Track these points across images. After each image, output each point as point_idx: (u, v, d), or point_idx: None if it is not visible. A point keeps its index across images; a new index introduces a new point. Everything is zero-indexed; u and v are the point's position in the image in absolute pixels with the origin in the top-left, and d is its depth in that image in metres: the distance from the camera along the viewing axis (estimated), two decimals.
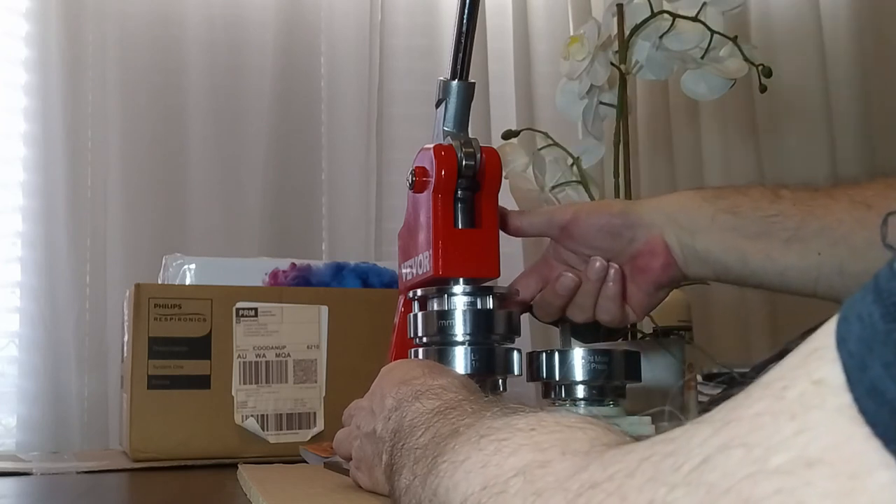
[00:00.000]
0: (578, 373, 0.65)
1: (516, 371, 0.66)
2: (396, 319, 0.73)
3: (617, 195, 1.00)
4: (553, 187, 1.00)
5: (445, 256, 0.65)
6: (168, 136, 1.52)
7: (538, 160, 0.99)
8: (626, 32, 1.00)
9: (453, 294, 0.65)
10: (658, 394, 0.86)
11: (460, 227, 0.66)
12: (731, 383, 0.94)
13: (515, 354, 0.66)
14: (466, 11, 0.66)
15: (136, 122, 1.50)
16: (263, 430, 0.94)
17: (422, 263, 0.67)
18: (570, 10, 1.72)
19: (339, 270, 1.05)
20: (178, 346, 0.93)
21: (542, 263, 0.78)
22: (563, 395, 0.66)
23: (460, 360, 0.63)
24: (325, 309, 0.98)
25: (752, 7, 1.80)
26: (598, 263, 0.71)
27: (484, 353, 0.64)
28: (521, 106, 1.66)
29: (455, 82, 0.68)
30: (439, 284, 0.66)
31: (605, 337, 0.91)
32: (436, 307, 0.66)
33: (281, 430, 0.95)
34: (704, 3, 0.97)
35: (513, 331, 0.66)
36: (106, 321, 1.42)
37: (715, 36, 0.97)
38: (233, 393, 0.94)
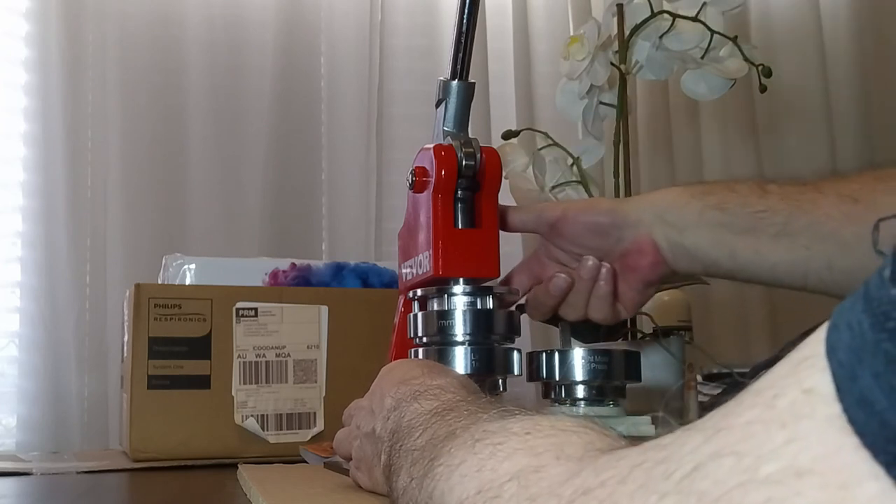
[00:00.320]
0: (578, 373, 0.65)
1: (516, 371, 0.66)
2: (396, 319, 0.73)
3: (617, 195, 1.00)
4: (553, 187, 1.00)
5: (445, 256, 0.65)
6: (168, 136, 1.52)
7: (538, 160, 0.99)
8: (626, 32, 1.00)
9: (453, 294, 0.65)
10: (658, 394, 0.86)
11: (460, 227, 0.66)
12: (732, 384, 0.94)
13: (515, 354, 0.66)
14: (466, 11, 0.66)
15: (136, 122, 1.50)
16: (263, 430, 0.94)
17: (422, 263, 0.67)
18: (570, 10, 1.72)
19: (339, 270, 1.05)
20: (178, 346, 0.93)
21: (534, 260, 0.78)
22: (563, 395, 0.66)
23: (460, 360, 0.63)
24: (325, 309, 0.98)
25: (752, 7, 1.80)
26: (590, 262, 0.71)
27: (484, 353, 0.64)
28: (521, 106, 1.66)
29: (455, 82, 0.68)
30: (439, 284, 0.66)
31: (605, 337, 0.91)
32: (436, 307, 0.66)
33: (281, 430, 0.95)
34: (704, 3, 0.97)
35: (513, 331, 0.66)
36: (106, 321, 1.42)
37: (715, 36, 0.97)
38: (233, 393, 0.94)
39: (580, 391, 0.66)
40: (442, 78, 0.69)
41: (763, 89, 0.99)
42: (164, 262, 1.04)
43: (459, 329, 0.64)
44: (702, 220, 0.69)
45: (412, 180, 0.68)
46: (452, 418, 0.40)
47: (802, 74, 1.80)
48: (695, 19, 0.97)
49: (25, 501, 0.75)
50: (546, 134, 1.05)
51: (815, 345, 0.21)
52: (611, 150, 1.02)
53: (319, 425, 0.96)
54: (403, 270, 0.73)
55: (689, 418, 0.84)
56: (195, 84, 1.53)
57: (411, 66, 1.65)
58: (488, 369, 0.64)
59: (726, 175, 1.75)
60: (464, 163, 0.65)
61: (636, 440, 0.28)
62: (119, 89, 1.49)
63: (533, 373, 0.67)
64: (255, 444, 0.94)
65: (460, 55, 0.67)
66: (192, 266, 1.01)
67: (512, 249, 1.50)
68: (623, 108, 1.01)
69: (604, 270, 0.71)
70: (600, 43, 0.97)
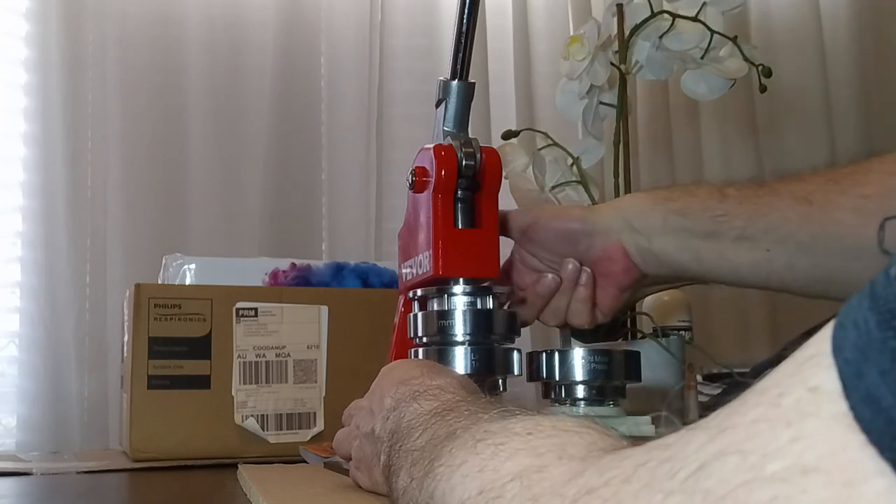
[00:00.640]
0: (578, 373, 0.65)
1: (516, 371, 0.66)
2: (396, 319, 0.73)
3: (617, 195, 1.00)
4: (553, 187, 1.00)
5: (445, 256, 0.65)
6: (168, 136, 1.52)
7: (538, 160, 0.99)
8: (626, 32, 1.00)
9: (453, 294, 0.65)
10: (658, 394, 0.86)
11: (460, 227, 0.66)
12: (732, 384, 0.94)
13: (515, 354, 0.66)
14: (466, 11, 0.66)
15: (136, 122, 1.50)
16: (263, 430, 0.94)
17: (422, 263, 0.67)
18: (570, 10, 1.72)
19: (339, 270, 1.05)
20: (178, 346, 0.93)
21: (509, 267, 0.79)
22: (563, 395, 0.66)
23: (460, 360, 0.63)
24: (325, 309, 0.98)
25: (752, 7, 1.80)
26: (570, 266, 0.73)
27: (484, 353, 0.64)
28: (521, 106, 1.66)
29: (455, 82, 0.68)
30: (439, 284, 0.66)
31: (604, 337, 0.91)
32: (436, 307, 0.66)
33: (281, 430, 0.95)
34: (704, 3, 0.97)
35: (513, 331, 0.66)
36: (106, 321, 1.42)
37: (715, 36, 0.97)
38: (233, 393, 0.94)
39: (580, 391, 0.66)
40: (442, 78, 0.69)
41: (763, 89, 0.99)
42: (164, 262, 1.04)
43: (459, 329, 0.64)
44: (666, 226, 0.70)
45: (412, 180, 0.68)
46: (452, 418, 0.40)
47: (802, 74, 1.80)
48: (695, 19, 0.97)
49: (25, 501, 0.75)
50: (546, 134, 1.05)
51: (821, 343, 0.21)
52: (611, 150, 1.02)
53: (319, 425, 0.96)
54: (403, 270, 0.73)
55: (690, 418, 0.84)
56: (195, 84, 1.53)
57: (411, 66, 1.65)
58: (488, 369, 0.64)
59: (726, 175, 1.75)
60: (464, 163, 0.65)
61: (637, 440, 0.28)
62: (119, 89, 1.49)
63: (533, 373, 0.67)
64: (255, 444, 0.94)
65: (460, 55, 0.67)
66: (192, 266, 1.01)
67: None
68: (623, 108, 1.01)
69: (584, 275, 0.72)
70: (600, 43, 0.97)
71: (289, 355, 0.96)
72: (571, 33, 1.16)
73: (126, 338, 0.98)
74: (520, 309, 0.76)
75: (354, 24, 1.61)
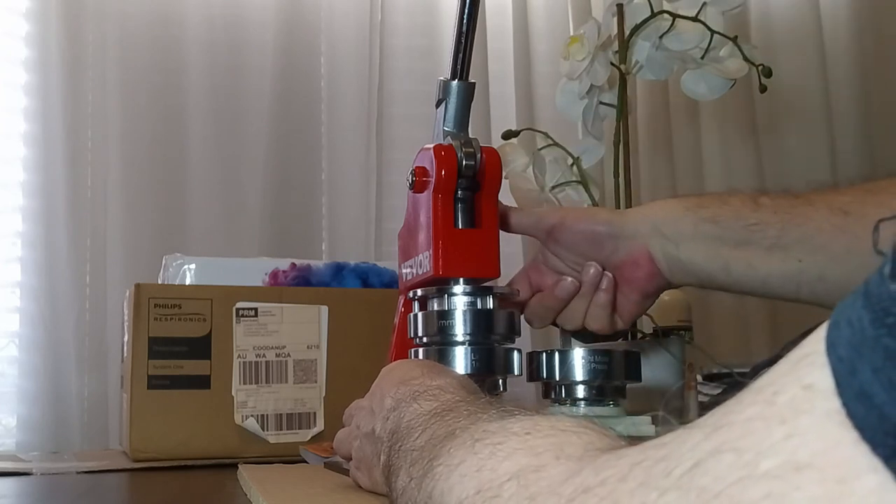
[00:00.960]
0: (578, 373, 0.65)
1: (516, 371, 0.66)
2: (396, 319, 0.73)
3: (617, 195, 1.00)
4: (553, 187, 1.00)
5: (445, 256, 0.65)
6: (168, 136, 1.52)
7: (538, 160, 0.99)
8: (626, 32, 1.00)
9: (453, 294, 0.65)
10: (658, 394, 0.86)
11: (460, 227, 0.66)
12: (732, 384, 0.94)
13: (515, 354, 0.66)
14: (466, 11, 0.66)
15: (136, 122, 1.50)
16: (263, 430, 0.94)
17: (422, 263, 0.67)
18: (570, 10, 1.72)
19: (339, 270, 1.05)
20: (178, 346, 0.93)
21: (532, 268, 0.78)
22: (563, 395, 0.66)
23: (460, 360, 0.63)
24: (325, 309, 0.98)
25: (752, 7, 1.80)
26: (592, 269, 0.71)
27: (484, 353, 0.64)
28: (521, 106, 1.66)
29: (455, 82, 0.68)
30: (439, 284, 0.66)
31: (604, 337, 0.91)
32: (436, 307, 0.66)
33: (281, 430, 0.95)
34: (704, 3, 0.97)
35: (513, 331, 0.66)
36: (106, 321, 1.42)
37: (715, 36, 0.97)
38: (233, 393, 0.94)
39: (580, 391, 0.66)
40: (442, 78, 0.69)
41: (763, 89, 0.99)
42: (164, 262, 1.04)
43: (459, 329, 0.64)
44: (696, 233, 0.69)
45: (412, 180, 0.68)
46: (452, 418, 0.40)
47: (802, 74, 1.80)
48: (695, 19, 0.97)
49: (25, 501, 0.75)
50: (546, 134, 1.05)
51: (816, 342, 0.21)
52: (611, 150, 1.02)
53: (319, 425, 0.96)
54: (403, 270, 0.73)
55: (689, 418, 0.84)
56: (195, 84, 1.53)
57: (411, 66, 1.65)
58: (488, 369, 0.64)
59: (726, 175, 1.75)
60: (464, 163, 0.65)
61: (636, 440, 0.28)
62: (119, 89, 1.49)
63: (533, 373, 0.67)
64: (255, 444, 0.94)
65: (460, 55, 0.67)
66: (192, 266, 1.01)
67: (512, 250, 1.50)
68: (623, 108, 1.01)
69: (605, 279, 0.71)
70: (600, 43, 0.97)
71: (289, 355, 0.96)
72: (571, 33, 1.16)
73: (126, 338, 0.98)
74: (533, 314, 0.75)
75: (354, 24, 1.61)
